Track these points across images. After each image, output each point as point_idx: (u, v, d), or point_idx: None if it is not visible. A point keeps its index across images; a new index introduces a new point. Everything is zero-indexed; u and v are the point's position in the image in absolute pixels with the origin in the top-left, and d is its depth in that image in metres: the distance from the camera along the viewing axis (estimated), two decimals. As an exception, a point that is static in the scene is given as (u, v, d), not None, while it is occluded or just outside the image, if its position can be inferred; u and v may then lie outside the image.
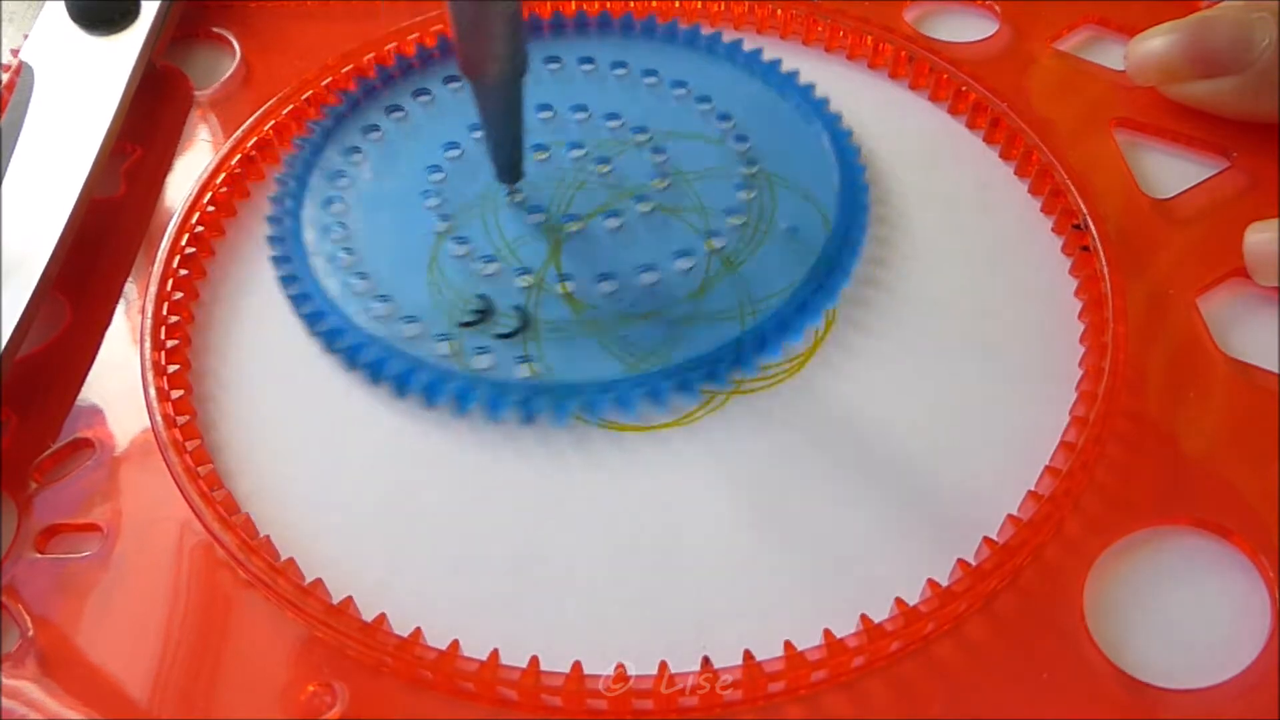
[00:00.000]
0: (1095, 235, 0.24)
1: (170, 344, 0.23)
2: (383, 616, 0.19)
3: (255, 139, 0.27)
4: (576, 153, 0.26)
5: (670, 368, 0.22)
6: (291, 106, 0.27)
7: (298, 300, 0.24)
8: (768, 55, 0.28)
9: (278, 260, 0.25)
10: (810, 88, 0.27)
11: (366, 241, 0.25)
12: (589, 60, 0.28)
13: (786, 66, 0.28)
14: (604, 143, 0.26)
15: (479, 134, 0.26)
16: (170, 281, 0.24)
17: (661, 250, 0.24)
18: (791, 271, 0.24)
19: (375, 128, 0.27)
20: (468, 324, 0.23)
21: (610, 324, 0.23)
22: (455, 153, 0.26)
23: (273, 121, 0.27)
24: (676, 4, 0.30)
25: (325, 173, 0.26)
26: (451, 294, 0.23)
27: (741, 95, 0.27)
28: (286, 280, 0.24)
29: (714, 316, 0.23)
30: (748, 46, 0.28)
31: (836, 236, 0.24)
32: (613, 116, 0.27)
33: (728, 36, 0.28)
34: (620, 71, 0.28)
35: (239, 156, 0.26)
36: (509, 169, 0.25)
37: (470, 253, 0.24)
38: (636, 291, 0.23)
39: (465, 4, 0.21)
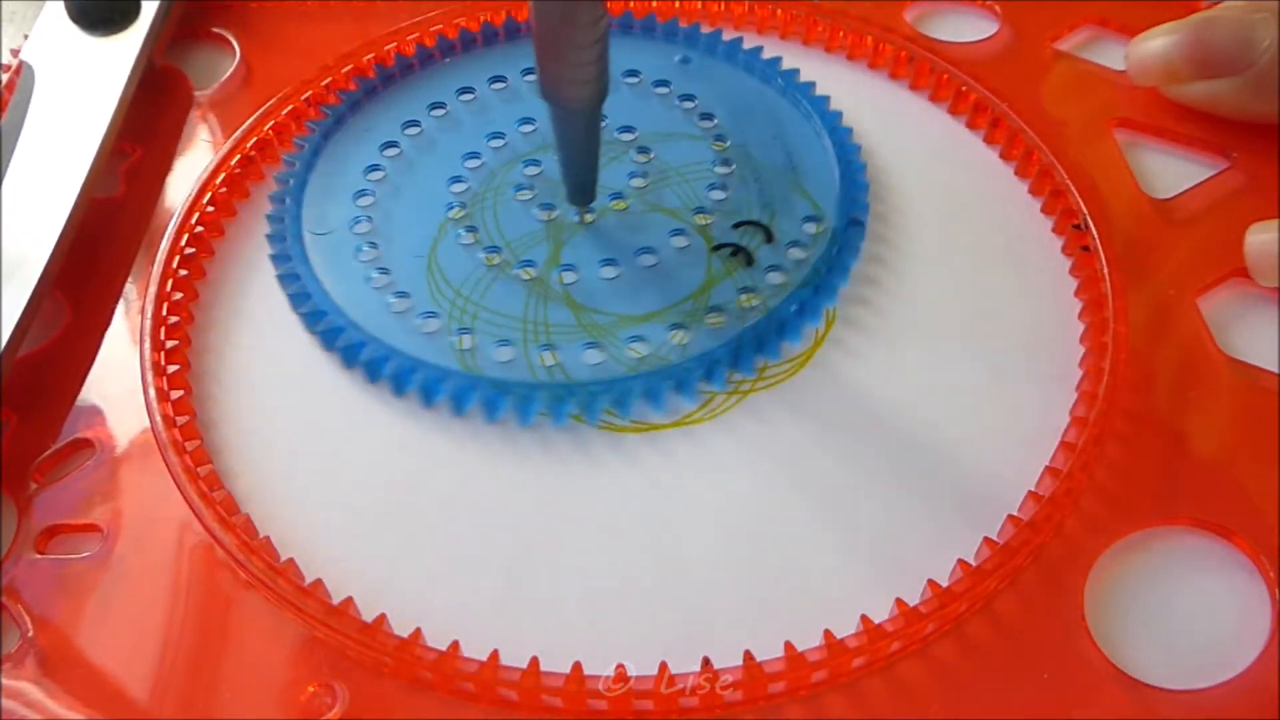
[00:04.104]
0: (1095, 235, 0.24)
1: (170, 344, 0.23)
2: (383, 617, 0.19)
3: (255, 139, 0.27)
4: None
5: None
6: (291, 106, 0.27)
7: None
8: (767, 55, 0.28)
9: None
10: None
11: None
12: None
13: (786, 67, 0.28)
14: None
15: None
16: (170, 282, 0.24)
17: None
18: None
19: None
20: (723, 247, 0.24)
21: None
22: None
23: (273, 121, 0.27)
24: (676, 4, 0.30)
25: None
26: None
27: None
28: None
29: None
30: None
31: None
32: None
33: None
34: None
35: (239, 157, 0.26)
36: (583, 191, 0.24)
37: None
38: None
39: (554, 30, 0.21)
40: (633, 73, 0.28)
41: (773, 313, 0.23)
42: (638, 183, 0.25)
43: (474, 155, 0.26)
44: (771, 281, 0.23)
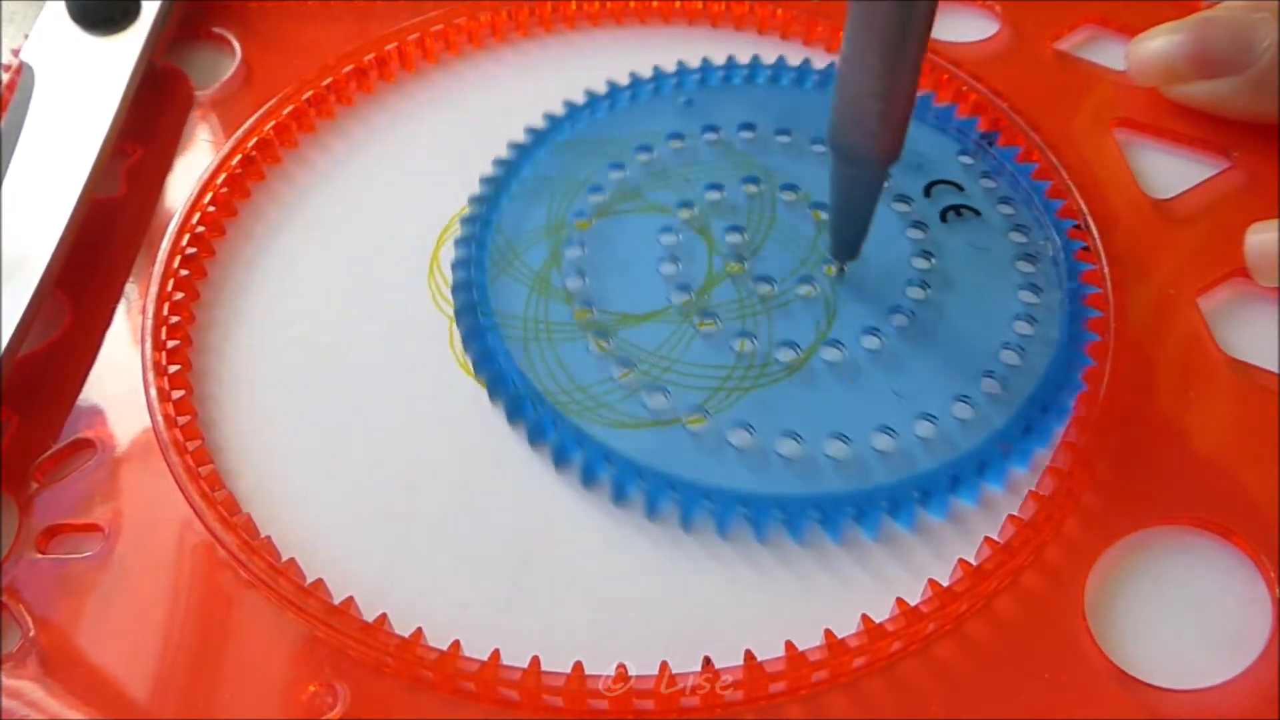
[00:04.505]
0: (1095, 235, 0.24)
1: (171, 344, 0.23)
2: (384, 616, 0.19)
3: (256, 139, 0.27)
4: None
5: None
6: (292, 106, 0.27)
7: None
8: (769, 58, 0.28)
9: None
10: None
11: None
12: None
13: (788, 66, 0.28)
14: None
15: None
16: (171, 282, 0.24)
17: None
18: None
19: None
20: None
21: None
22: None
23: (273, 122, 0.27)
24: (677, 4, 0.30)
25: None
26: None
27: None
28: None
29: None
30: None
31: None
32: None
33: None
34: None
35: (239, 157, 0.26)
36: (850, 247, 0.23)
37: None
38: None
39: (870, 82, 0.19)
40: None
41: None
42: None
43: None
44: (1026, 224, 0.24)
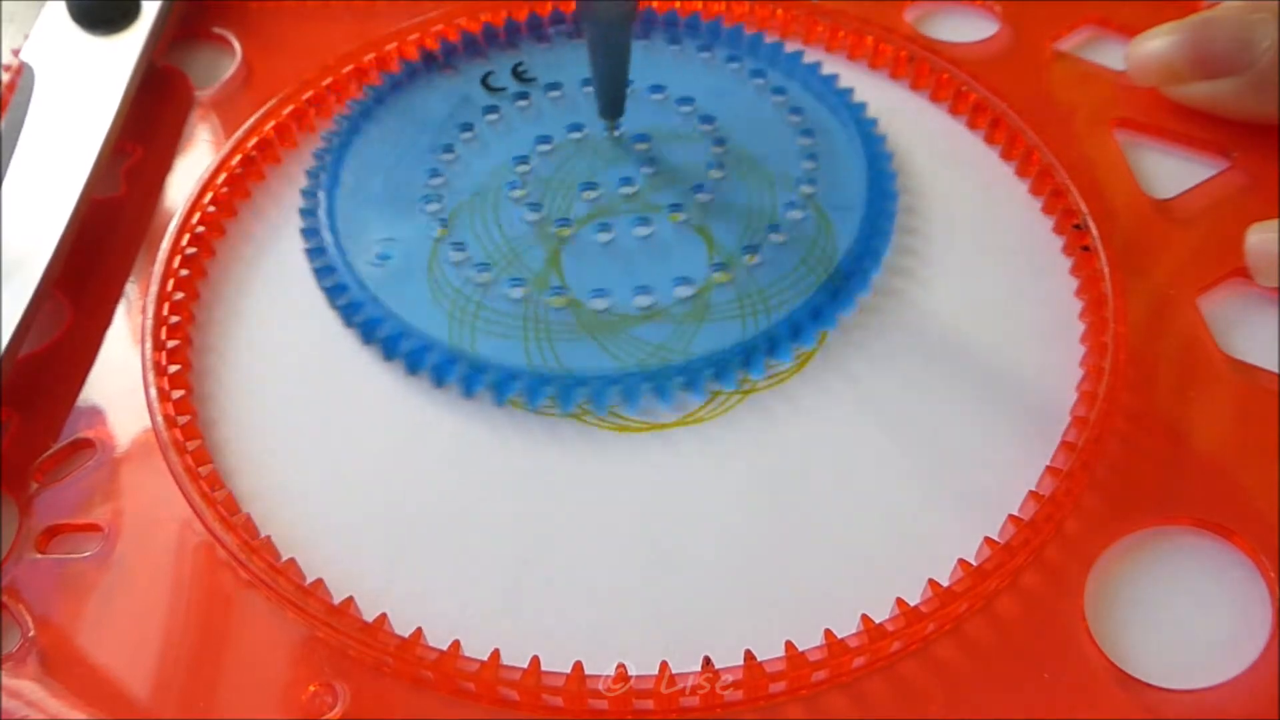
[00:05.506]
0: (1096, 235, 0.24)
1: (171, 344, 0.23)
2: (384, 616, 0.19)
3: (256, 139, 0.27)
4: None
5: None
6: (292, 106, 0.27)
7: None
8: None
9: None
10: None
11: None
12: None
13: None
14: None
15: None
16: (171, 281, 0.24)
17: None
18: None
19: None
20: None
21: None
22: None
23: (273, 122, 0.27)
24: (677, 4, 0.30)
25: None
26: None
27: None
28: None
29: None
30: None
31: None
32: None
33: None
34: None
35: (239, 156, 0.26)
36: (614, 105, 0.26)
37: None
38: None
39: None
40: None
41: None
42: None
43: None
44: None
